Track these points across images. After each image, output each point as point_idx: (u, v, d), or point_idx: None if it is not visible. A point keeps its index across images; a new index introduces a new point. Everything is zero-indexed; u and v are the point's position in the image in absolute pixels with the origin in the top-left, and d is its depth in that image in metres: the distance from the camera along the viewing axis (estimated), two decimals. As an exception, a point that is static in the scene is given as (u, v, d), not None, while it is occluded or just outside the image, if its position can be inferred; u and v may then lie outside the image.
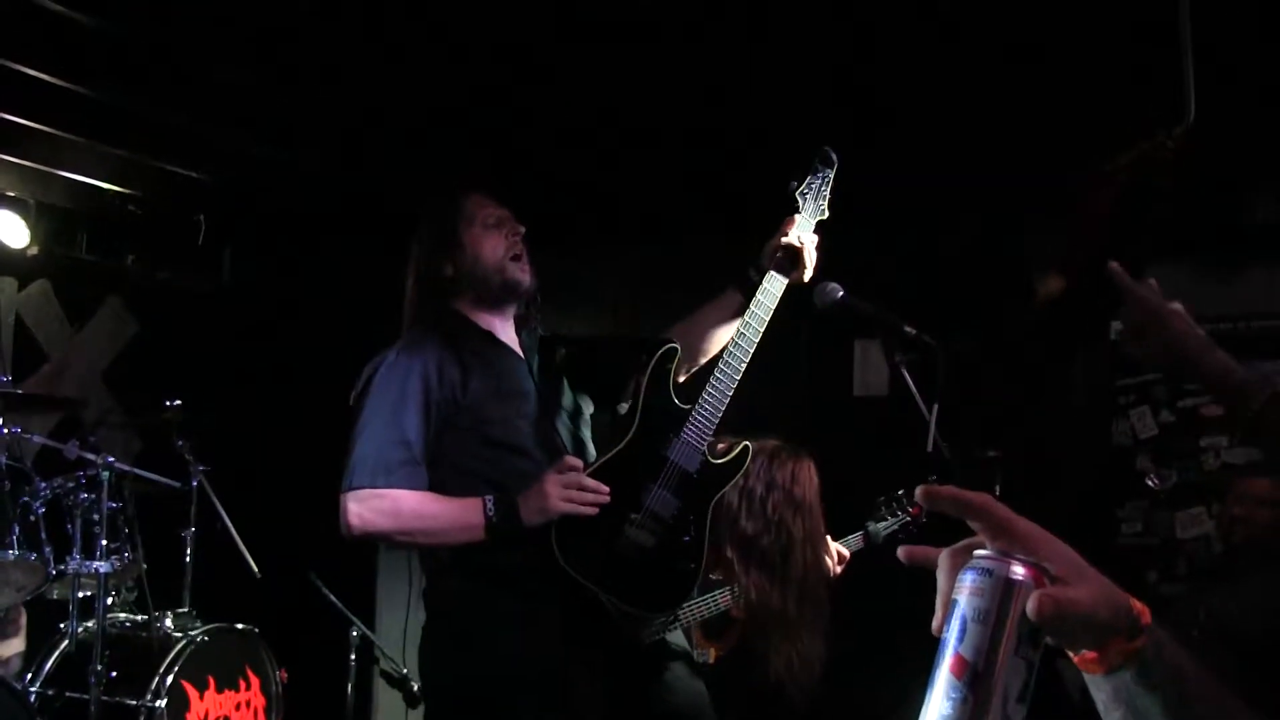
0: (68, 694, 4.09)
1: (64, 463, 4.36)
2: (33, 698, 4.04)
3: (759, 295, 2.84)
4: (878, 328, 2.75)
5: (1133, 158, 4.52)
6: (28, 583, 4.08)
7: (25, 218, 5.81)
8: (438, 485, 2.67)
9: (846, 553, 3.53)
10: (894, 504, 3.67)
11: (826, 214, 2.97)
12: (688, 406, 2.76)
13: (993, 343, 4.80)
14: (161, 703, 4.00)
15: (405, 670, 4.79)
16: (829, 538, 3.47)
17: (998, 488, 4.19)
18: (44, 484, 4.09)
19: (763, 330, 2.83)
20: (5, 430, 4.17)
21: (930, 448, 2.61)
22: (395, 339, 2.87)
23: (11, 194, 5.77)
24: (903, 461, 4.72)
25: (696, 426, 2.74)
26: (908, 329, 2.71)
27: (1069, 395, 5.18)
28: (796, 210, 2.92)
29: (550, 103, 4.65)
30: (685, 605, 3.39)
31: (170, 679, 4.08)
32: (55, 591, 4.41)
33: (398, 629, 4.92)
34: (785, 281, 2.87)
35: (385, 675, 4.89)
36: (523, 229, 2.92)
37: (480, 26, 4.00)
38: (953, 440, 2.77)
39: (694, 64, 4.21)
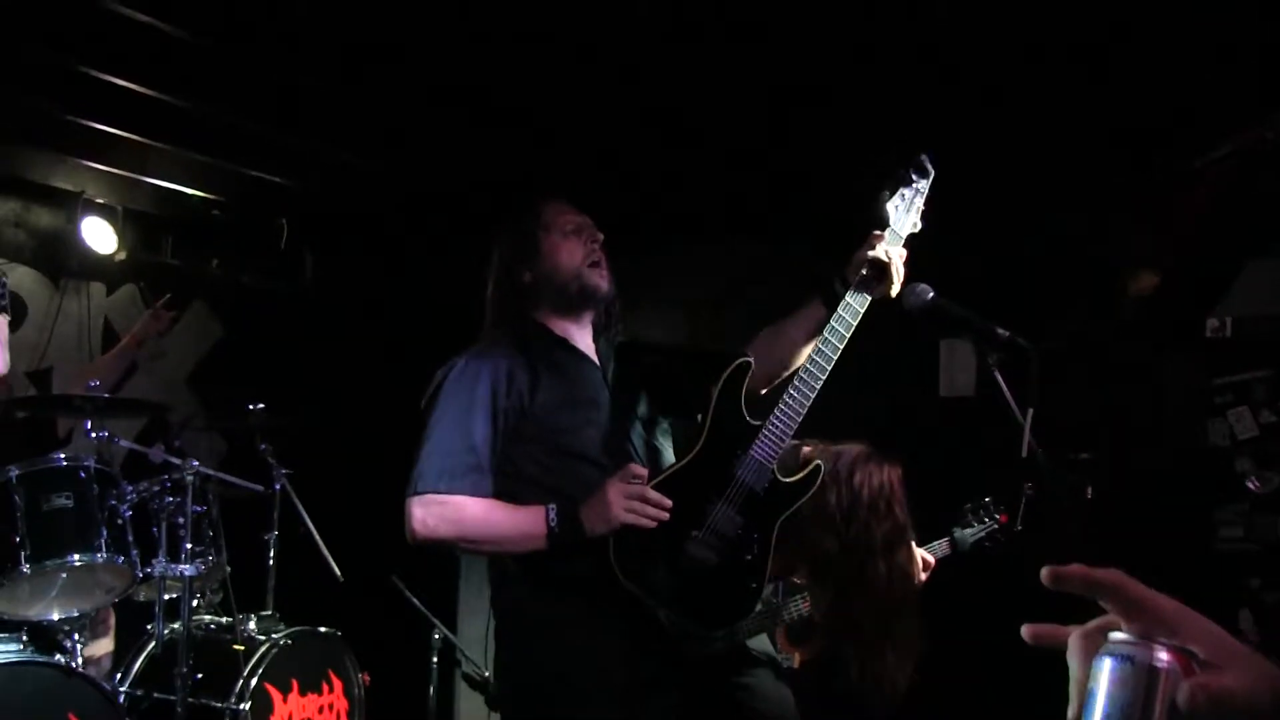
0: (155, 695, 4.14)
1: (150, 466, 4.42)
2: (121, 698, 4.08)
3: (840, 311, 2.74)
4: (969, 330, 2.65)
5: (1229, 151, 4.38)
6: (115, 585, 4.13)
7: (113, 224, 5.93)
8: (506, 494, 2.66)
9: (931, 559, 3.43)
10: (981, 511, 3.57)
11: (919, 227, 2.84)
12: (758, 423, 2.68)
13: (1083, 343, 4.67)
14: (246, 705, 4.03)
15: (487, 673, 4.78)
16: (914, 544, 3.34)
17: (1089, 491, 4.10)
18: (130, 488, 4.13)
19: (842, 347, 2.73)
20: (94, 434, 4.24)
21: (1025, 453, 2.51)
22: (474, 341, 2.86)
23: (100, 201, 5.89)
24: (992, 464, 4.64)
25: (767, 443, 2.66)
26: (1000, 331, 2.62)
27: (1162, 395, 5.02)
28: (887, 222, 2.80)
29: (629, 102, 4.62)
30: (755, 615, 3.34)
31: (254, 682, 4.11)
32: (142, 594, 4.47)
33: (479, 632, 4.90)
34: (869, 299, 2.77)
35: (467, 678, 4.90)
36: (601, 236, 2.91)
37: (555, 26, 3.99)
38: (1046, 444, 2.67)
39: (771, 62, 4.16)
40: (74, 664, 3.93)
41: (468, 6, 3.90)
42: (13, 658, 3.76)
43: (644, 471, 2.58)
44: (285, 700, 4.21)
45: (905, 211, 2.81)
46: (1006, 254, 5.01)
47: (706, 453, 2.66)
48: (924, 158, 2.85)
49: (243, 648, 4.19)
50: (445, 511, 2.57)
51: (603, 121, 4.83)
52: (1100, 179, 4.66)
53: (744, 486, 2.64)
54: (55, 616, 4.05)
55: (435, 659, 4.89)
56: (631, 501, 2.52)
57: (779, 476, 2.71)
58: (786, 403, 2.67)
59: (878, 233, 2.78)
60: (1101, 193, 4.74)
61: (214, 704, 4.04)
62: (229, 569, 4.39)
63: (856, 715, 4.09)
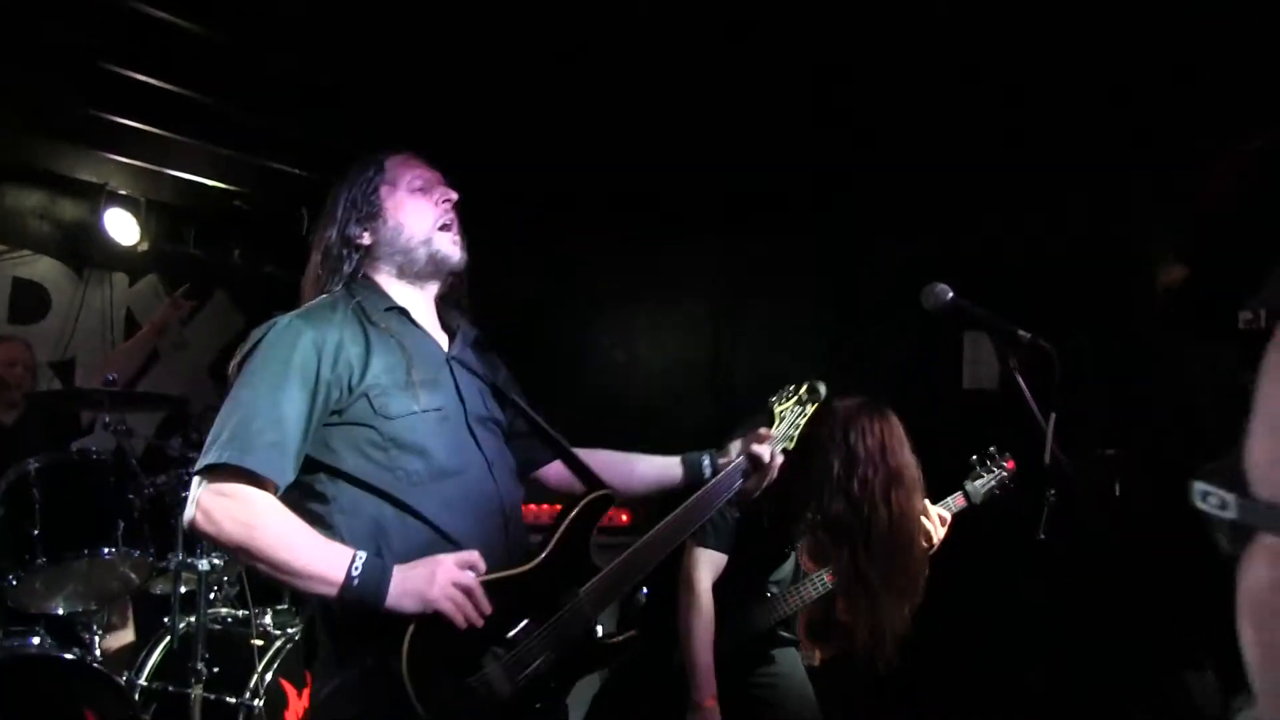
0: (171, 689, 4.13)
1: (168, 458, 4.41)
2: (138, 691, 4.09)
3: (709, 489, 2.59)
4: (990, 331, 2.59)
5: (1261, 141, 4.29)
6: (132, 578, 4.14)
7: (136, 215, 5.95)
8: (315, 487, 2.25)
9: (948, 515, 3.46)
10: (988, 460, 3.61)
11: (791, 445, 2.75)
12: (598, 566, 2.42)
13: (1110, 336, 4.59)
14: (260, 701, 4.02)
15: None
16: (928, 502, 3.37)
17: (1117, 487, 4.03)
18: (149, 480, 4.13)
19: (701, 522, 2.60)
20: (112, 427, 4.24)
21: (1047, 459, 2.44)
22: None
23: (123, 192, 5.92)
24: (1022, 463, 4.59)
25: (598, 592, 2.39)
26: (1021, 333, 2.54)
27: (1194, 389, 4.93)
28: (772, 423, 2.73)
29: (656, 99, 4.60)
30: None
31: (269, 677, 4.10)
32: (159, 587, 4.48)
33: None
34: (735, 490, 2.61)
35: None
36: (455, 195, 2.53)
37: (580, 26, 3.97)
38: (1070, 442, 2.61)
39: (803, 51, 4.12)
40: (90, 657, 3.94)
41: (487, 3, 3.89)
42: (31, 651, 3.79)
43: (483, 565, 2.19)
44: (300, 695, 4.20)
45: (788, 424, 2.76)
46: (1033, 246, 4.94)
47: (540, 572, 2.32)
48: (819, 384, 2.80)
49: (259, 642, 4.18)
50: (237, 511, 2.12)
51: (629, 116, 4.81)
52: (1128, 169, 4.57)
53: (563, 625, 2.31)
54: (73, 609, 4.06)
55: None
56: (457, 592, 2.13)
57: (598, 633, 2.44)
58: (629, 559, 2.46)
59: (764, 430, 2.68)
60: (1129, 183, 4.66)
61: (229, 699, 4.03)
62: (245, 562, 4.37)
63: (878, 709, 4.07)
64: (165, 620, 4.36)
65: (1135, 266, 4.74)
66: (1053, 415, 2.45)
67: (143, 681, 4.19)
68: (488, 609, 2.16)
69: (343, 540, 2.19)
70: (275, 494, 2.18)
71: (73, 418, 4.99)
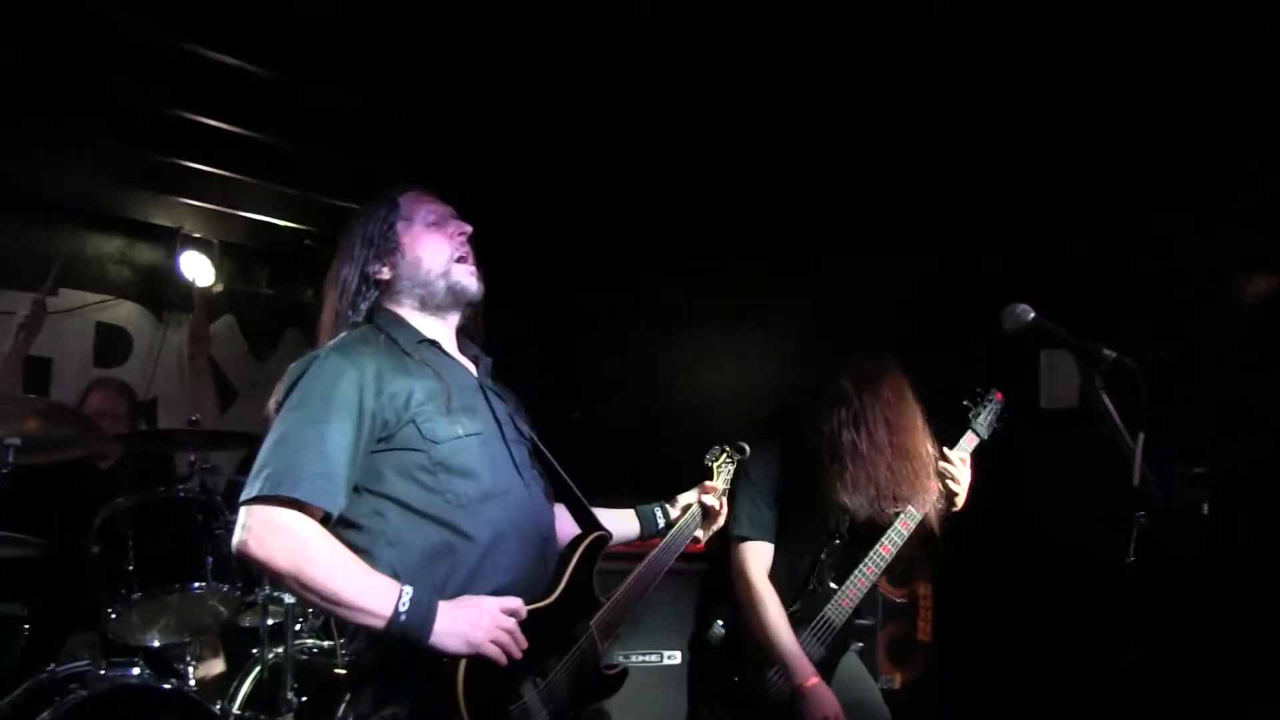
0: (261, 717, 4.24)
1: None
2: (231, 719, 4.20)
3: (673, 537, 2.93)
4: (1073, 352, 2.58)
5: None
6: (221, 611, 4.25)
7: (210, 257, 6.11)
8: (362, 517, 2.31)
9: (966, 456, 3.57)
10: (979, 397, 3.75)
11: (725, 497, 3.14)
12: (602, 600, 2.59)
13: (1199, 351, 4.52)
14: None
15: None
16: (945, 448, 3.50)
17: (1206, 506, 3.99)
18: (233, 516, 4.23)
19: (672, 561, 2.88)
20: (197, 465, 4.36)
21: (1136, 480, 2.43)
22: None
23: (197, 235, 6.08)
24: (1100, 482, 4.54)
25: (604, 624, 2.56)
26: (1106, 351, 2.53)
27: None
28: (711, 476, 3.14)
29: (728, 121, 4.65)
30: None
31: (356, 705, 4.18)
32: (247, 619, 4.59)
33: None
34: (693, 534, 3.03)
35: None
36: (469, 228, 2.62)
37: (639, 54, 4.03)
38: (1159, 458, 2.60)
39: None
40: (186, 687, 4.05)
41: (550, 38, 3.96)
42: (132, 681, 3.91)
43: (524, 612, 2.29)
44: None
45: (726, 478, 3.17)
46: (1115, 261, 4.90)
47: (559, 607, 2.44)
48: (744, 444, 3.25)
49: (344, 671, 4.26)
50: (288, 540, 2.15)
51: (701, 140, 4.88)
52: (1209, 180, 4.53)
53: (579, 657, 2.46)
54: (167, 641, 4.19)
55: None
56: (502, 634, 2.22)
57: (601, 665, 2.56)
58: (624, 594, 2.68)
59: (710, 484, 3.08)
60: (1210, 194, 4.61)
61: (318, 726, 4.13)
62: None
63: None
64: (254, 651, 4.47)
65: (1220, 278, 4.68)
66: (1140, 435, 2.44)
67: (235, 710, 4.29)
68: (525, 646, 2.27)
69: (390, 569, 2.27)
70: (324, 523, 2.23)
71: (164, 459, 5.12)
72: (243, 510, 2.19)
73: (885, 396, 3.47)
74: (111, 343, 6.10)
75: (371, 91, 4.48)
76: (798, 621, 3.37)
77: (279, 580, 2.20)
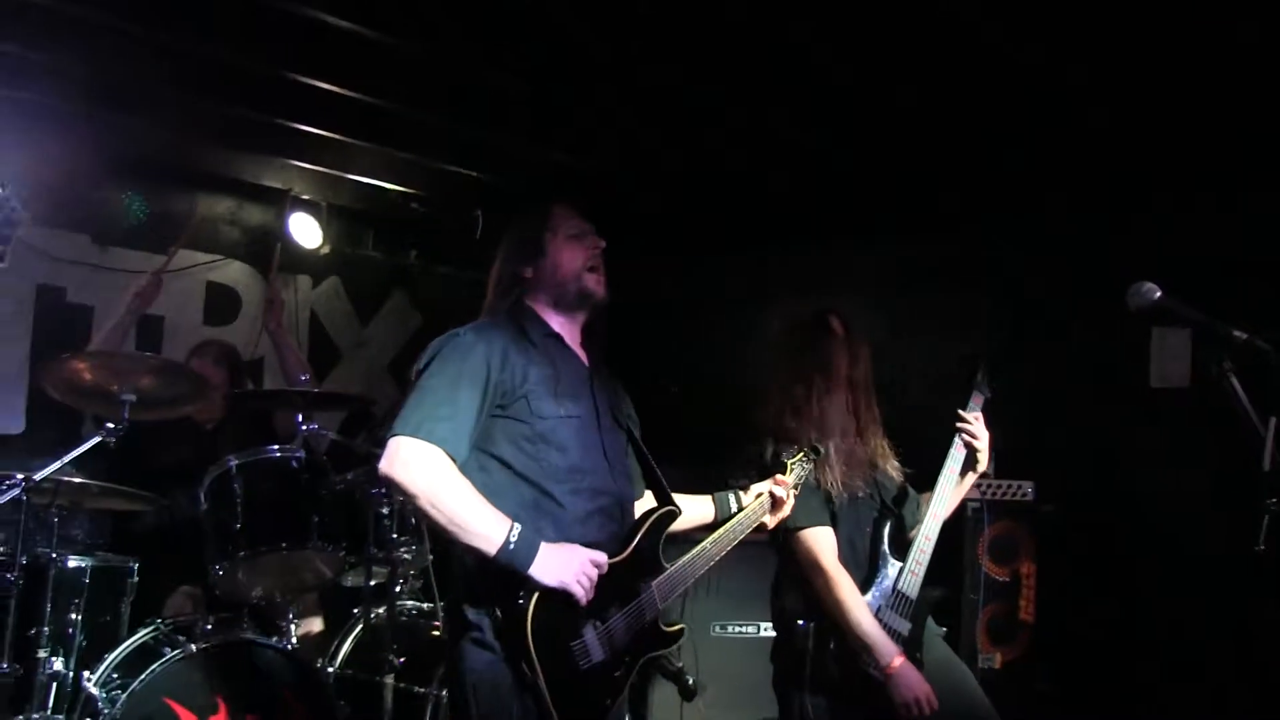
0: (361, 677, 4.29)
1: (354, 456, 4.57)
2: (331, 678, 4.26)
3: (738, 520, 3.21)
4: (1200, 331, 2.48)
5: None
6: (325, 571, 4.32)
7: (318, 219, 6.18)
8: (476, 467, 2.70)
9: (978, 414, 3.55)
10: (976, 363, 3.68)
11: (798, 492, 3.34)
12: (666, 565, 2.94)
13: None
14: (446, 692, 4.13)
15: (681, 664, 4.79)
16: (960, 411, 3.53)
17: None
18: (338, 478, 4.29)
19: (738, 540, 3.19)
20: (305, 427, 4.41)
21: (1267, 465, 2.34)
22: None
23: (306, 197, 6.14)
24: (1216, 463, 4.39)
25: (665, 586, 2.91)
26: (1236, 333, 2.42)
27: None
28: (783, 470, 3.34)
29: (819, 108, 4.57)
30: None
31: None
32: (349, 579, 4.65)
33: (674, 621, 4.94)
34: (761, 520, 3.28)
35: (660, 668, 4.90)
36: (603, 244, 3.01)
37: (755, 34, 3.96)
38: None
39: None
40: (289, 644, 4.12)
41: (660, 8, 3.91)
42: (239, 636, 4.02)
43: (606, 565, 2.69)
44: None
45: (798, 476, 3.35)
46: (1236, 240, 4.72)
47: (629, 562, 2.81)
48: (819, 445, 3.40)
49: (444, 634, 4.29)
50: (432, 463, 2.59)
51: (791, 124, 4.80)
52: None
53: (639, 610, 2.81)
54: (271, 599, 4.26)
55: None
56: (585, 577, 2.62)
57: (661, 621, 2.92)
58: (688, 563, 3.02)
59: (781, 478, 3.30)
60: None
61: (417, 688, 4.16)
62: (431, 556, 4.49)
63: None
64: (355, 611, 4.53)
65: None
66: (1273, 419, 2.34)
67: (335, 668, 4.36)
68: (595, 596, 2.66)
69: None
70: None
71: (265, 418, 5.19)
72: (391, 442, 2.61)
73: (822, 353, 3.51)
74: (221, 302, 6.20)
75: (480, 55, 4.46)
76: (877, 599, 3.32)
77: (413, 500, 2.60)
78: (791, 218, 5.89)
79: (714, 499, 3.30)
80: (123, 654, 3.95)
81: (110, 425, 3.97)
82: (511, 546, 2.54)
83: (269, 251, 6.00)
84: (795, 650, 3.36)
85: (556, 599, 2.59)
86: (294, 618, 4.32)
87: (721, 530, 3.16)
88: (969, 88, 4.38)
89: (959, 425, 3.50)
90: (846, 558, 3.35)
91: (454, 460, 2.63)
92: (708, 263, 6.47)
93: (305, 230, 6.16)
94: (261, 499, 4.12)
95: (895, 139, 4.93)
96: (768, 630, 5.05)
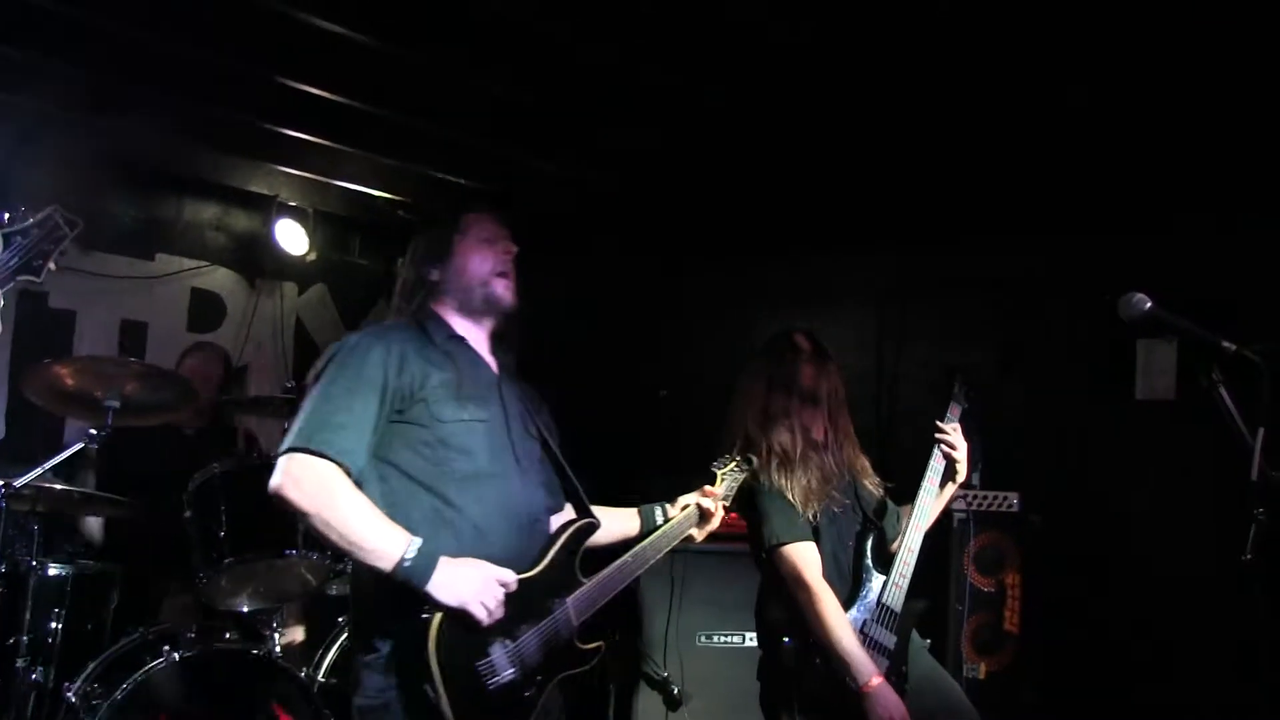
0: (345, 686, 4.24)
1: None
2: (316, 686, 4.23)
3: (662, 532, 3.13)
4: (1190, 342, 2.48)
5: None
6: (310, 580, 4.28)
7: (305, 225, 6.17)
8: (377, 477, 2.60)
9: (956, 425, 3.56)
10: (953, 375, 3.69)
11: (728, 504, 3.34)
12: (584, 580, 2.84)
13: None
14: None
15: (666, 673, 4.79)
16: (938, 421, 3.53)
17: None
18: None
19: (658, 557, 3.09)
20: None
21: (1255, 475, 2.34)
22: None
23: (293, 203, 6.12)
24: (1202, 475, 4.41)
25: (581, 602, 2.80)
26: (1226, 344, 2.43)
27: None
28: (715, 484, 3.30)
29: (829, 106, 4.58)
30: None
31: (441, 677, 4.18)
32: (334, 588, 4.62)
33: (660, 632, 4.93)
34: (687, 533, 3.22)
35: (646, 678, 4.90)
36: (515, 249, 2.94)
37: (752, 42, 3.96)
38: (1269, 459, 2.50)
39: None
40: (275, 653, 4.09)
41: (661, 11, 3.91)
42: (224, 646, 3.98)
43: (514, 584, 2.57)
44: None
45: (729, 486, 3.34)
46: (1223, 252, 4.74)
47: (539, 580, 2.71)
48: (751, 455, 3.39)
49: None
50: (317, 481, 2.46)
51: (799, 125, 4.81)
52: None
53: (553, 628, 2.70)
54: (255, 607, 4.23)
55: (616, 657, 4.91)
56: (490, 598, 2.50)
57: (577, 638, 2.79)
58: (606, 577, 2.89)
59: (709, 489, 3.27)
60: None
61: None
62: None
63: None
64: (340, 619, 4.50)
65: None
66: (1260, 430, 2.34)
67: (320, 678, 4.33)
68: (501, 613, 2.54)
69: None
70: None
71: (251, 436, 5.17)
72: (282, 458, 2.51)
73: (788, 370, 3.53)
74: (205, 308, 6.18)
75: (468, 61, 4.45)
76: (862, 613, 3.32)
77: (305, 519, 2.48)
78: (786, 225, 5.89)
79: (640, 511, 3.23)
80: (104, 663, 3.91)
81: (94, 431, 3.94)
82: (408, 563, 2.43)
83: (270, 258, 5.99)
84: (781, 667, 3.35)
85: (463, 618, 2.48)
86: (278, 626, 4.28)
87: (643, 544, 3.06)
88: (961, 99, 4.39)
89: (937, 436, 3.50)
90: (830, 572, 3.33)
91: (351, 472, 2.52)
92: (702, 269, 6.47)
93: (291, 237, 6.15)
94: (246, 506, 4.07)
95: (889, 149, 4.94)
96: (753, 640, 5.02)
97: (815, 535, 3.36)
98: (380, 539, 2.46)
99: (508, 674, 2.55)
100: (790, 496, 3.36)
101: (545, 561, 2.73)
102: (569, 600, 2.75)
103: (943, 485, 3.52)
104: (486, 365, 2.91)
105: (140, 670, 3.72)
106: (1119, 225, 5.01)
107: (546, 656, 2.68)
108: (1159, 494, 4.83)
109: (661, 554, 3.09)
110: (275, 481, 2.49)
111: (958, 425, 3.54)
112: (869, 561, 3.39)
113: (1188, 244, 4.77)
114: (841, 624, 3.22)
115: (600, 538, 3.04)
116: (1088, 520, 5.01)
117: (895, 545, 3.46)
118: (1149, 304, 2.58)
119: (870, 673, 3.16)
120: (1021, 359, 5.23)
